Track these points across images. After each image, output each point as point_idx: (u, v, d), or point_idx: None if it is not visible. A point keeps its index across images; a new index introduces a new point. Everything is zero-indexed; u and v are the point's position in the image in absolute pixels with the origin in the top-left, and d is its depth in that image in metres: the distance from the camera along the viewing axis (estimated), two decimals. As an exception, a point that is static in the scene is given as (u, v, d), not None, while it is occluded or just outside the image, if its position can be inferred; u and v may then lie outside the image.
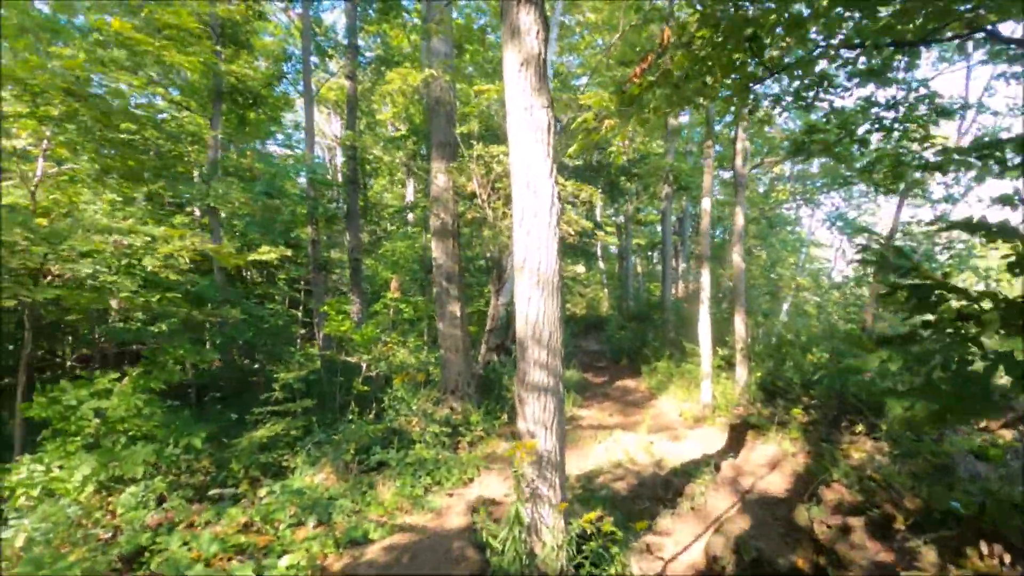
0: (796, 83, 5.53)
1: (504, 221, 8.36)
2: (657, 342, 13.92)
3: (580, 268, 11.43)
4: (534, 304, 3.88)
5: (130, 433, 5.87)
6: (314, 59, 18.47)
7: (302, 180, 13.74)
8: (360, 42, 17.06)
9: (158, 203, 15.12)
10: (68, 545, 4.46)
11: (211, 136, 12.36)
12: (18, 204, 5.63)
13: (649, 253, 30.10)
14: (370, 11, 17.36)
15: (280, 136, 23.94)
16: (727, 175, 21.93)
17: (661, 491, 5.84)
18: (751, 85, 5.10)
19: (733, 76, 4.77)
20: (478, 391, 8.99)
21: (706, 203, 9.53)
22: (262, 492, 5.69)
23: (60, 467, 5.13)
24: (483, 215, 8.57)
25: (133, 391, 5.30)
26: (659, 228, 29.96)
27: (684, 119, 20.68)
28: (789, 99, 5.88)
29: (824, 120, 5.97)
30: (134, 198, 10.41)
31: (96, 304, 5.02)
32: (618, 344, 16.80)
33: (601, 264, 31.71)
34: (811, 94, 5.64)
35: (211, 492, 5.58)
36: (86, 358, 13.80)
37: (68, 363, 12.45)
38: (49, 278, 5.73)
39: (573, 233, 8.36)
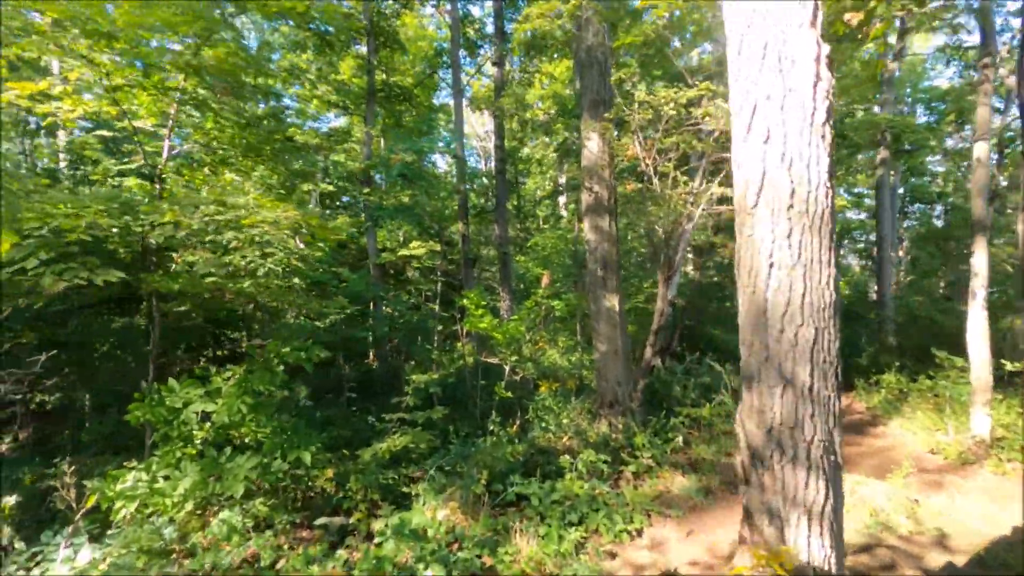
0: None
1: (676, 190, 6.36)
2: (873, 348, 10.61)
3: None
4: (783, 273, 1.98)
5: (246, 440, 5.09)
6: (466, 59, 18.04)
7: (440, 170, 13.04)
8: (508, 28, 16.10)
9: (327, 205, 15.65)
10: (145, 582, 3.60)
11: (364, 132, 12.16)
12: (144, 187, 5.20)
13: (843, 240, 25.08)
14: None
15: (442, 145, 24.21)
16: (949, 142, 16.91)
17: (968, 599, 3.45)
18: None
19: None
20: (642, 405, 7.08)
21: (980, 149, 6.46)
22: (377, 525, 4.50)
23: (166, 477, 4.42)
24: (647, 186, 6.65)
25: (238, 393, 4.44)
26: (853, 213, 24.80)
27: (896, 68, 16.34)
28: None
29: None
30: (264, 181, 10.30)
31: (191, 289, 4.27)
32: (811, 349, 13.53)
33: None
34: None
35: (319, 521, 4.52)
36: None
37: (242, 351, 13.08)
38: (174, 265, 5.17)
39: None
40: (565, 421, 6.83)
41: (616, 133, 6.52)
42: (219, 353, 14.57)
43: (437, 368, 7.45)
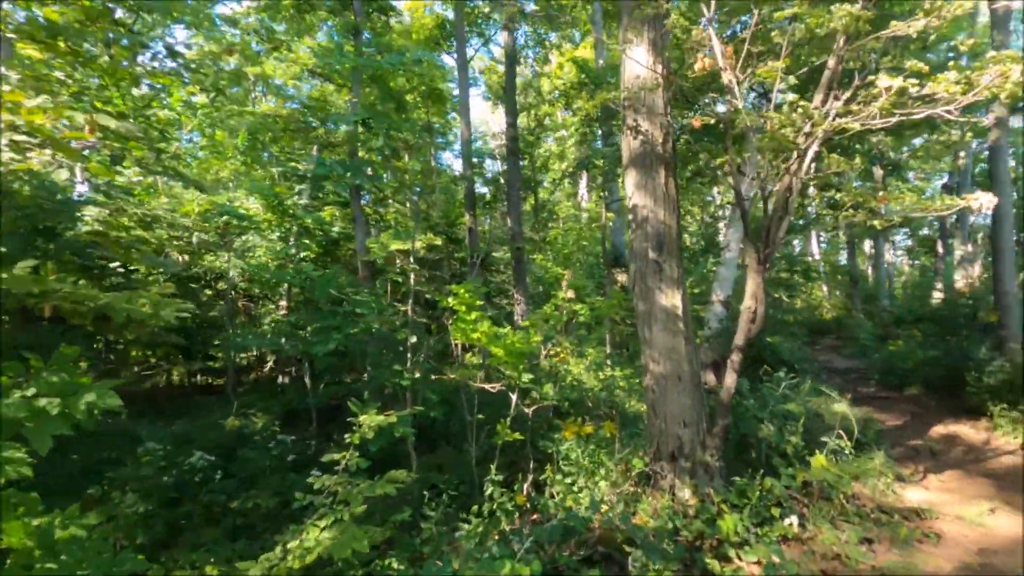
0: None
1: (782, 112, 3.74)
2: (1007, 361, 7.74)
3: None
4: None
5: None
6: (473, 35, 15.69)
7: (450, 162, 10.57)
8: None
9: (321, 199, 13.39)
10: None
11: (348, 102, 9.82)
12: None
13: (894, 236, 21.94)
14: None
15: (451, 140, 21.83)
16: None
17: None
18: None
19: None
20: (722, 457, 4.44)
21: None
22: None
23: None
24: (729, 114, 4.04)
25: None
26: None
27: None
28: None
29: None
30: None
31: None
32: (893, 362, 10.64)
33: (814, 249, 24.38)
34: None
35: None
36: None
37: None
38: None
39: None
40: (603, 485, 4.24)
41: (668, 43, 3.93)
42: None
43: (413, 398, 4.96)
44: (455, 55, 12.98)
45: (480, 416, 5.27)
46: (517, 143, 11.66)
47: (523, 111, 21.84)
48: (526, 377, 5.44)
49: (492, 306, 14.85)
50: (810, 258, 22.81)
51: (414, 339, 4.82)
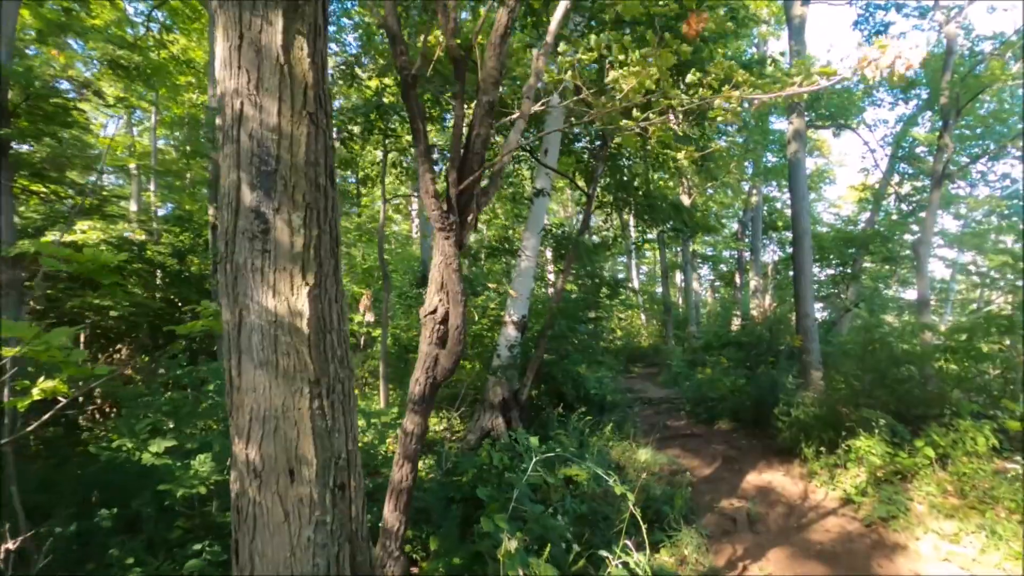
0: None
1: None
2: (819, 395, 6.79)
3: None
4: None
5: None
6: None
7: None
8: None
9: None
10: None
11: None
12: None
13: (699, 269, 23.00)
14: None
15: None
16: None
17: None
18: None
19: None
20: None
21: None
22: None
23: None
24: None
25: None
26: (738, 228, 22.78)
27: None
28: None
29: None
30: None
31: None
32: (703, 391, 9.67)
33: (635, 280, 24.81)
34: None
35: None
36: None
37: None
38: None
39: None
40: None
41: None
42: None
43: None
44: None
45: None
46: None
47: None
48: (157, 447, 2.64)
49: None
50: (631, 286, 23.00)
51: None
